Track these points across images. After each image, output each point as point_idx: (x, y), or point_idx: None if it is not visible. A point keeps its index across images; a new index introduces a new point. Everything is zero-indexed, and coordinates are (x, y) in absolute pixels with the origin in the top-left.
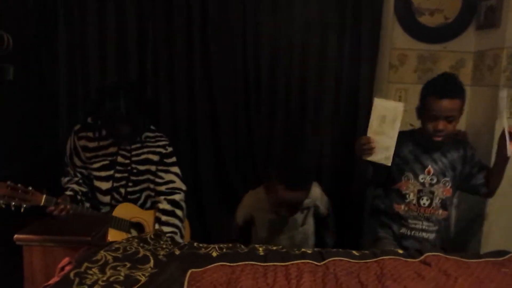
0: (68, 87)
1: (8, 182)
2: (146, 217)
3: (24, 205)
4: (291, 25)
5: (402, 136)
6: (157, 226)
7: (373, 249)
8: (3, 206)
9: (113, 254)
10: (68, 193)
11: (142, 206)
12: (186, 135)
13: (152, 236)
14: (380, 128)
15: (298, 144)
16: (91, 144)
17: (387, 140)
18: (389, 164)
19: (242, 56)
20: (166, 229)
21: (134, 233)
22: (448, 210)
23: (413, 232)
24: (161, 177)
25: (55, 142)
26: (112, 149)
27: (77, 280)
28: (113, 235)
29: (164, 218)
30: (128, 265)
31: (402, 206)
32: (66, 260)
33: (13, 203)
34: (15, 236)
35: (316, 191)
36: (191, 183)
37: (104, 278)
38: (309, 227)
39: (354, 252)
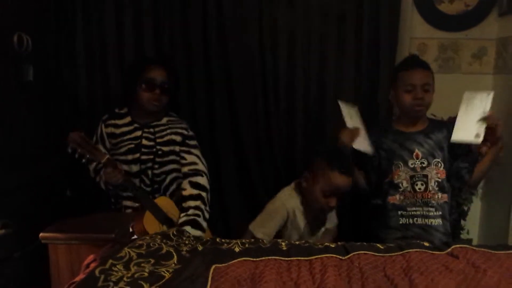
0: (87, 87)
1: (82, 133)
2: (177, 215)
3: (88, 156)
4: (308, 17)
5: (379, 130)
6: (182, 212)
7: (398, 242)
8: (70, 150)
9: (137, 251)
10: None
11: (167, 188)
12: (206, 135)
13: (174, 232)
14: (352, 123)
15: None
16: (118, 130)
17: (361, 131)
18: (371, 152)
19: (259, 52)
20: (190, 212)
21: (164, 228)
22: (447, 192)
23: (415, 219)
24: (184, 158)
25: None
26: (136, 133)
27: (102, 277)
28: (148, 220)
29: (188, 203)
30: (152, 261)
31: (397, 196)
32: (91, 257)
33: (79, 151)
34: (41, 234)
35: None
36: (214, 185)
37: (129, 275)
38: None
39: (378, 245)
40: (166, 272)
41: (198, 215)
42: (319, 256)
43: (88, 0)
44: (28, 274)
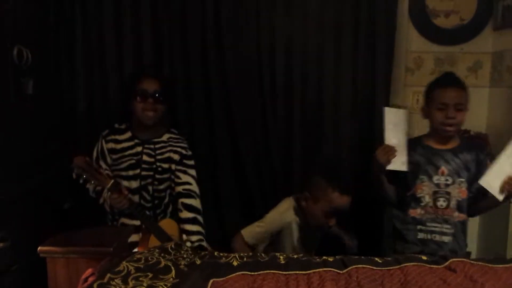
0: (86, 99)
1: (87, 158)
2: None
3: (92, 182)
4: (306, 29)
5: (411, 143)
6: (185, 237)
7: (396, 256)
8: (74, 176)
9: (135, 265)
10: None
11: (167, 205)
12: (204, 142)
13: (172, 246)
14: (394, 135)
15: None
16: (118, 146)
17: (400, 146)
18: (406, 169)
19: (257, 60)
20: (193, 238)
21: None
22: (464, 212)
23: (433, 235)
24: (178, 177)
25: (75, 154)
26: (137, 148)
27: None
28: (153, 243)
29: (188, 227)
30: (150, 275)
31: (418, 210)
32: (89, 271)
33: (84, 176)
34: (39, 248)
35: None
36: (211, 191)
37: None
38: None
39: (376, 259)
40: (164, 286)
41: (202, 240)
42: (317, 270)
43: (87, 13)
44: (26, 287)
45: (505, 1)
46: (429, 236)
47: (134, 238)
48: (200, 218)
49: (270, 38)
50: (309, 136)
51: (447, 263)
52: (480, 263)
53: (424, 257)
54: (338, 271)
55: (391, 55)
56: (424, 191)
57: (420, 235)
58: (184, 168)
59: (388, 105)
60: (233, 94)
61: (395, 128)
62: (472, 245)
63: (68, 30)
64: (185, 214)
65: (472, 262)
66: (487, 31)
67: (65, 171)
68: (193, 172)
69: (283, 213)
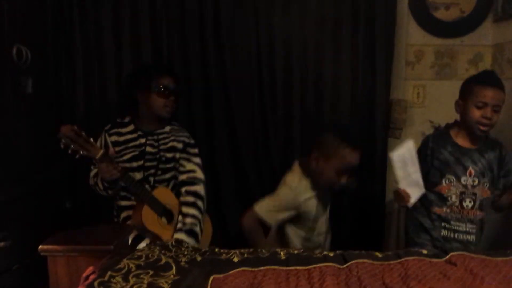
0: (86, 98)
1: (74, 126)
2: (177, 207)
3: (81, 152)
4: (304, 23)
5: (439, 139)
6: (180, 218)
7: (397, 250)
8: (62, 146)
9: (136, 262)
10: None
11: None
12: (204, 140)
13: (173, 243)
14: (405, 173)
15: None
16: (121, 138)
17: (414, 178)
18: (424, 191)
19: (256, 57)
20: (187, 220)
21: (164, 220)
22: (484, 210)
23: (456, 234)
24: (183, 166)
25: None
26: (141, 140)
27: None
28: (146, 212)
29: (185, 209)
30: (151, 272)
31: (444, 209)
32: (90, 269)
33: (72, 147)
34: (40, 247)
35: None
36: (211, 191)
37: (128, 287)
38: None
39: (377, 253)
40: (165, 283)
41: (195, 224)
42: (318, 265)
43: (86, 12)
44: (27, 286)
45: None
46: (452, 235)
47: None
48: (200, 203)
49: (269, 36)
50: (310, 133)
51: (447, 256)
52: (480, 256)
53: (425, 251)
54: (339, 266)
55: (391, 48)
56: (451, 191)
57: (444, 233)
58: (188, 156)
59: (387, 100)
60: (233, 93)
61: (404, 166)
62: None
63: (67, 29)
64: (186, 198)
65: (472, 255)
66: (488, 24)
67: (65, 170)
68: (197, 160)
69: (299, 192)
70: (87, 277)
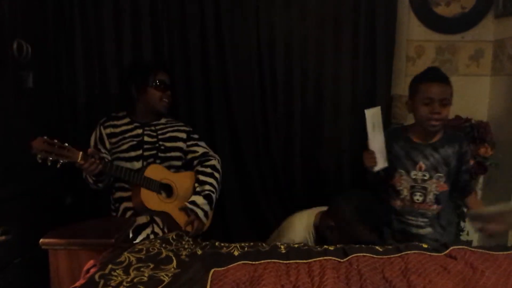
0: (86, 93)
1: (45, 137)
2: (174, 179)
3: (61, 161)
4: (305, 20)
5: (394, 133)
6: (197, 186)
7: (397, 244)
8: (40, 161)
9: (137, 256)
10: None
11: None
12: (204, 139)
13: (174, 237)
14: (373, 135)
15: None
16: (117, 130)
17: (380, 145)
18: (387, 165)
19: (256, 57)
20: (206, 187)
21: (164, 195)
22: (442, 204)
23: (409, 228)
24: (194, 151)
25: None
26: (137, 131)
27: (102, 282)
28: (145, 194)
29: (202, 177)
30: (152, 266)
31: (398, 202)
32: (91, 262)
33: (50, 158)
34: (41, 240)
35: None
36: None
37: (128, 279)
38: None
39: (377, 247)
40: (165, 276)
41: (212, 192)
42: (318, 258)
43: (86, 7)
44: (29, 280)
45: None
46: (407, 228)
47: (142, 220)
48: (217, 175)
49: (270, 33)
50: (310, 130)
51: (447, 250)
52: (480, 250)
53: (425, 245)
54: (339, 259)
55: (391, 44)
56: (403, 184)
57: (400, 226)
58: (194, 142)
59: (388, 96)
60: (233, 92)
61: (374, 129)
62: (474, 233)
63: (68, 24)
64: (203, 169)
65: (472, 249)
66: (489, 19)
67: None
68: (203, 143)
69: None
70: (88, 270)
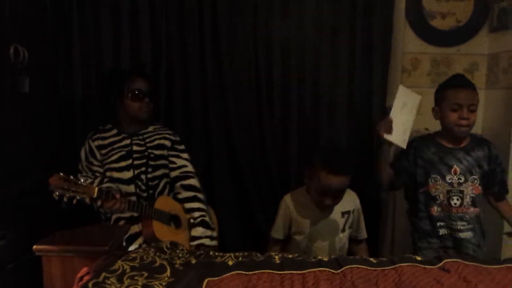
0: (83, 97)
1: (61, 174)
2: (180, 209)
3: (78, 197)
4: (302, 30)
5: (424, 140)
6: (188, 216)
7: (391, 256)
8: (57, 198)
9: (130, 264)
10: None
11: (162, 191)
12: (200, 144)
13: (168, 245)
14: (401, 113)
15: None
16: (106, 141)
17: (406, 124)
18: (404, 147)
19: (254, 62)
20: (195, 214)
21: (173, 226)
22: (478, 206)
23: (452, 232)
24: (173, 162)
25: (71, 153)
26: (126, 141)
27: None
28: (157, 226)
29: (188, 205)
30: (146, 274)
31: (435, 208)
32: (84, 270)
33: (67, 195)
34: (34, 246)
35: (356, 198)
36: (207, 192)
37: None
38: (347, 234)
39: (371, 259)
40: (159, 285)
41: (204, 215)
42: (312, 270)
43: (84, 10)
44: (21, 286)
45: (501, 3)
46: (447, 232)
47: (134, 229)
48: (200, 195)
49: (267, 39)
50: (306, 137)
51: (441, 263)
52: (474, 263)
53: (418, 258)
54: (333, 271)
55: (387, 56)
56: (438, 190)
57: (441, 231)
58: (176, 153)
59: (384, 107)
60: (230, 97)
61: (404, 107)
62: None
63: (65, 28)
64: (184, 194)
65: (466, 262)
66: (483, 33)
67: (61, 169)
68: (185, 155)
69: (288, 195)
70: (81, 278)
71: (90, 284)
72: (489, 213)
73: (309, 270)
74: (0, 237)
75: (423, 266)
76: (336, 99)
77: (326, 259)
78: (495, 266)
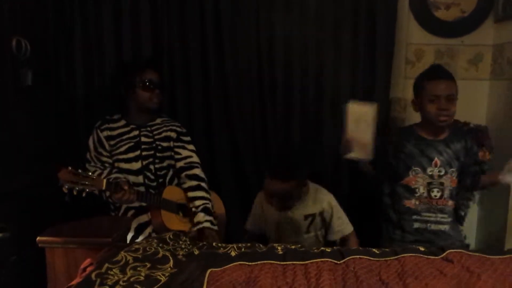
0: (85, 90)
1: (69, 168)
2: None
3: (87, 190)
4: (305, 22)
5: (404, 133)
6: (191, 205)
7: (394, 247)
8: (66, 191)
9: (133, 255)
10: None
11: (171, 181)
12: (203, 139)
13: (171, 236)
14: (357, 128)
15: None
16: (114, 132)
17: (365, 137)
18: (370, 158)
19: (256, 56)
20: (197, 203)
21: (181, 215)
22: (454, 200)
23: (428, 224)
24: (178, 153)
25: (74, 145)
26: (134, 132)
27: (98, 280)
28: (165, 215)
29: (191, 194)
30: (148, 265)
31: (413, 201)
32: (87, 261)
33: (77, 188)
34: (38, 238)
35: (328, 200)
36: (210, 187)
37: (125, 279)
38: (316, 235)
39: (374, 250)
40: (162, 276)
41: (206, 203)
42: (315, 260)
43: (86, 5)
44: (25, 278)
45: None
46: (424, 226)
47: (143, 218)
48: (203, 184)
49: (270, 33)
50: (309, 131)
51: (444, 254)
52: (477, 254)
53: (422, 248)
54: (336, 261)
55: (391, 47)
56: (418, 182)
57: (416, 225)
58: (182, 144)
59: (387, 99)
60: (232, 92)
61: (359, 123)
62: (471, 237)
63: (67, 21)
64: (188, 183)
65: (469, 253)
66: (488, 24)
67: (64, 162)
68: (191, 146)
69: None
70: (84, 269)
71: (93, 275)
72: (490, 203)
73: (311, 260)
74: (3, 230)
75: (426, 256)
76: (339, 90)
77: (329, 250)
78: (498, 257)
